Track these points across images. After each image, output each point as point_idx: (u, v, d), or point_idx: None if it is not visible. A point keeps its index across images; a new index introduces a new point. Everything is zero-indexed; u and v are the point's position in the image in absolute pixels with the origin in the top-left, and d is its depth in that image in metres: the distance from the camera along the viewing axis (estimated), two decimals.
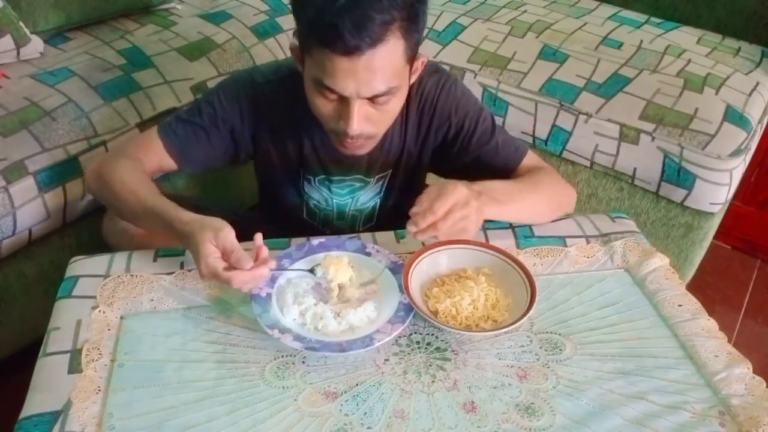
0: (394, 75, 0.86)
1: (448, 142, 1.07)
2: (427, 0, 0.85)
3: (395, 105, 0.92)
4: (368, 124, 0.90)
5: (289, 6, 0.90)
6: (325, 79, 0.84)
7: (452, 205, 0.84)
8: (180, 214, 0.85)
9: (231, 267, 0.79)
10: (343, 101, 0.87)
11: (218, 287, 0.89)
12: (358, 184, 1.10)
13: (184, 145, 1.01)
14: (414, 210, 0.84)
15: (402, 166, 1.10)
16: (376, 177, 1.10)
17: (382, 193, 1.13)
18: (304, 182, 1.10)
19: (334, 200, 1.12)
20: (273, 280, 0.89)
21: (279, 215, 1.19)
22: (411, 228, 0.83)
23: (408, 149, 1.08)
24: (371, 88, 0.84)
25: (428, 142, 1.07)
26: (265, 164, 1.09)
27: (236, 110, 1.01)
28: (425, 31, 1.64)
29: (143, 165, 0.98)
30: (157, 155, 1.00)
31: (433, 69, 1.05)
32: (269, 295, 0.87)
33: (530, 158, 1.09)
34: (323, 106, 0.89)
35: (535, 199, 1.00)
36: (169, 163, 1.02)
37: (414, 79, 0.95)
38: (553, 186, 1.04)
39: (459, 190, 0.85)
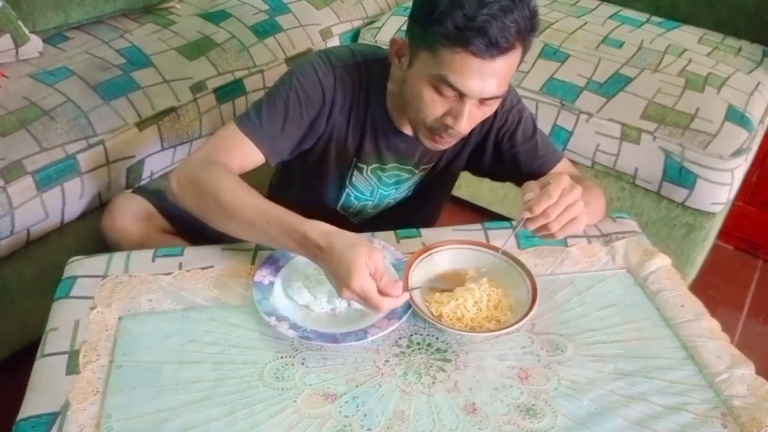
0: (507, 81, 0.90)
1: (491, 135, 1.08)
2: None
3: (493, 108, 0.94)
4: (469, 124, 0.93)
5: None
6: (451, 76, 0.86)
7: (562, 189, 0.84)
8: (314, 224, 0.83)
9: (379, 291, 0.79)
10: (458, 100, 0.89)
11: (217, 287, 0.89)
12: (405, 175, 1.12)
13: (272, 138, 0.98)
14: (527, 197, 0.84)
15: (445, 158, 1.12)
16: (421, 168, 1.12)
17: (418, 184, 1.15)
18: (354, 171, 1.10)
19: (380, 190, 1.13)
20: (276, 269, 0.90)
21: (305, 209, 1.15)
22: (525, 214, 0.83)
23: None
24: (490, 91, 0.88)
25: (473, 134, 1.07)
26: (319, 149, 1.06)
27: (318, 91, 0.99)
28: None
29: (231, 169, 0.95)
30: (242, 153, 0.96)
31: None
32: (272, 284, 0.87)
33: (565, 163, 1.10)
34: (433, 102, 0.90)
35: (596, 204, 1.01)
36: (255, 159, 0.98)
37: None
38: (599, 196, 1.05)
39: (564, 177, 0.85)
